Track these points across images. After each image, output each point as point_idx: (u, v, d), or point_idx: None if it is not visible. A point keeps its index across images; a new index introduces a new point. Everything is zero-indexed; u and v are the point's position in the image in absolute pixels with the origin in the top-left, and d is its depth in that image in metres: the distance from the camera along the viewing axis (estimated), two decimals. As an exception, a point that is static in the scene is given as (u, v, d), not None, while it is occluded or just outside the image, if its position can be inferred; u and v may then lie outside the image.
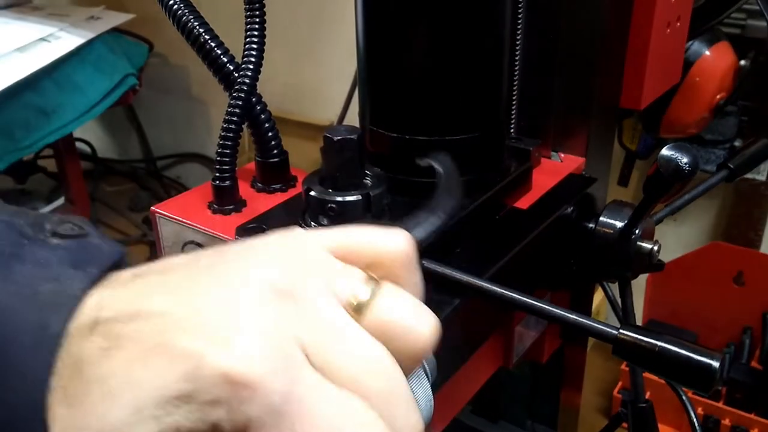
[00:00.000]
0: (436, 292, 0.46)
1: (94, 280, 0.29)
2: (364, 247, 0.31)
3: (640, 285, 1.45)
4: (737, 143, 1.29)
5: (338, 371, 0.27)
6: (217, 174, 0.56)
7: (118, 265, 0.31)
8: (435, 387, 0.43)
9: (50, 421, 0.26)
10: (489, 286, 0.45)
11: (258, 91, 0.57)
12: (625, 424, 0.87)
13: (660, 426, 0.67)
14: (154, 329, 0.26)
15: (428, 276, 0.47)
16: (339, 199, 0.48)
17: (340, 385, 0.27)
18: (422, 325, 0.29)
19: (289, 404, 0.25)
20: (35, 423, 0.26)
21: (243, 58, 0.56)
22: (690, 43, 1.06)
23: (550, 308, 0.43)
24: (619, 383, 1.42)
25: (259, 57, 0.56)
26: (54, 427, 0.26)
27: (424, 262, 0.48)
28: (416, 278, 0.32)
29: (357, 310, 0.28)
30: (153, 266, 0.30)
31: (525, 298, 0.44)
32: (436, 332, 0.30)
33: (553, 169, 0.65)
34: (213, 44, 0.56)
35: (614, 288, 0.65)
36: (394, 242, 0.31)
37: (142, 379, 0.25)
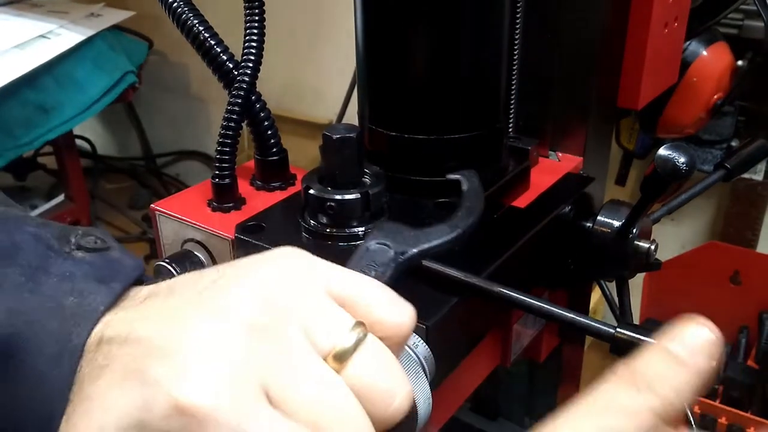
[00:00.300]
0: (434, 291, 0.46)
1: (118, 295, 0.30)
2: (369, 307, 0.30)
3: (637, 284, 1.45)
4: (734, 143, 1.29)
5: (296, 413, 0.26)
6: (217, 172, 0.57)
7: (140, 279, 0.32)
8: (433, 385, 0.43)
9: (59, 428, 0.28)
10: (487, 285, 0.45)
11: (257, 90, 0.58)
12: (621, 423, 0.87)
13: (656, 424, 0.67)
14: (136, 354, 0.27)
15: (427, 274, 0.48)
16: (338, 197, 0.49)
17: (299, 423, 0.26)
18: (396, 394, 0.29)
19: None
20: (48, 429, 0.27)
21: (242, 56, 0.57)
22: (687, 43, 1.06)
23: (549, 307, 0.43)
24: (617, 382, 1.42)
25: (259, 55, 0.57)
26: None
27: (422, 261, 0.48)
28: (401, 351, 0.32)
29: (338, 358, 0.28)
30: (163, 286, 0.31)
31: (523, 297, 0.44)
32: (407, 402, 0.29)
33: (551, 168, 0.66)
34: (212, 42, 0.56)
35: (611, 287, 0.66)
36: (399, 317, 0.31)
37: (112, 403, 0.26)
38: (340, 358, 0.28)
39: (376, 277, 0.35)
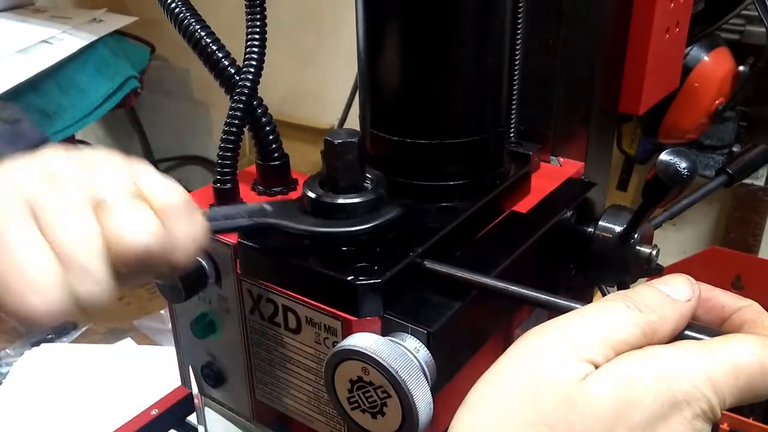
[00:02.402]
0: (436, 296, 0.46)
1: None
2: (141, 182, 0.38)
3: (639, 289, 1.45)
4: (736, 149, 1.29)
5: (47, 227, 0.33)
6: (218, 177, 0.57)
7: (41, 145, 0.38)
8: (434, 390, 0.43)
9: None
10: (493, 282, 0.45)
11: (259, 95, 0.58)
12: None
13: (658, 430, 0.67)
14: None
15: (431, 276, 0.48)
16: (339, 202, 0.49)
17: (47, 233, 0.33)
18: (133, 230, 0.35)
19: None
20: None
21: (244, 61, 0.57)
22: (689, 48, 1.06)
23: (555, 300, 0.43)
24: (618, 387, 1.42)
25: (261, 60, 0.57)
26: None
27: (426, 262, 0.48)
28: (187, 221, 0.38)
29: (99, 207, 0.35)
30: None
31: (529, 292, 0.44)
32: (146, 239, 0.35)
33: (553, 173, 0.66)
34: (214, 47, 0.56)
35: (613, 292, 0.65)
36: (168, 193, 0.38)
37: None
38: (100, 207, 0.35)
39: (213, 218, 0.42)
